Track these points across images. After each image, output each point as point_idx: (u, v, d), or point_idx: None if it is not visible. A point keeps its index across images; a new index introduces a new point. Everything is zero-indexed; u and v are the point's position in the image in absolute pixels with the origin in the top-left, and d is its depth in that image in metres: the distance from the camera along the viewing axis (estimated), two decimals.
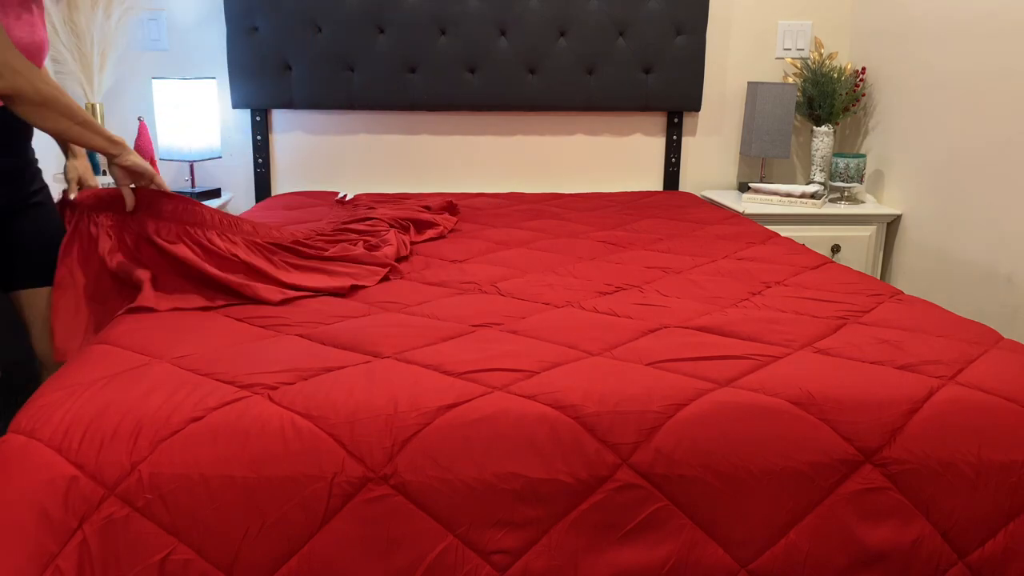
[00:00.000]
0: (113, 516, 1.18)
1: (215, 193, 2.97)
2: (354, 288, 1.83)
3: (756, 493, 1.26)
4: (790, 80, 3.19)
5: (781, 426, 1.28)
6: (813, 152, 3.12)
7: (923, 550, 1.29)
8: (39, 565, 1.15)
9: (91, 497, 1.18)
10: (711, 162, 3.29)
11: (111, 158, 1.69)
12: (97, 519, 1.18)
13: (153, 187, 1.76)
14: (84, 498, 1.18)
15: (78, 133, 1.62)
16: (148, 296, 1.68)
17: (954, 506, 1.29)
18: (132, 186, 1.75)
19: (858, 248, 2.95)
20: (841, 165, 2.95)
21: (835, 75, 3.06)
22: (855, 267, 2.90)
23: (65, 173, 1.85)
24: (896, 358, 1.45)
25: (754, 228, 2.55)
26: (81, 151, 1.88)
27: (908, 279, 2.92)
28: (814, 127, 3.12)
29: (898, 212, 2.96)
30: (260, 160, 3.11)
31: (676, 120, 3.21)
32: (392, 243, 2.11)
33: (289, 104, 3.03)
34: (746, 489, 1.26)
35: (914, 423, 1.31)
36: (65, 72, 2.85)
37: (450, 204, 2.68)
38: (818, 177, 3.11)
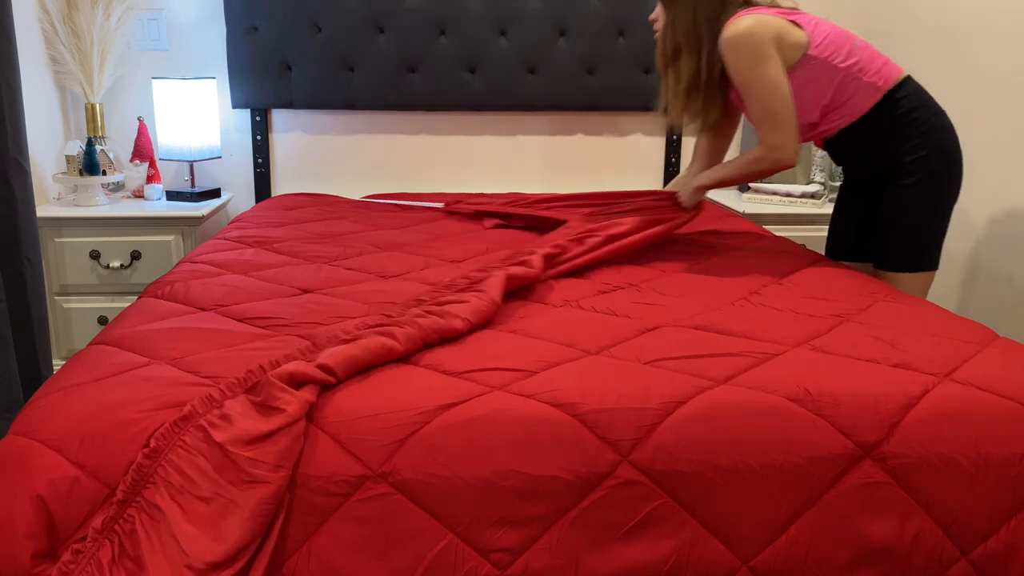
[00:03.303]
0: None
1: (215, 193, 2.97)
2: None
3: (756, 489, 1.27)
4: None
5: (779, 422, 1.29)
6: (813, 152, 3.12)
7: (924, 545, 1.29)
8: (42, 564, 1.16)
9: (94, 497, 1.18)
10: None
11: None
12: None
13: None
14: (87, 498, 1.18)
15: None
16: None
17: (955, 501, 1.30)
18: None
19: None
20: None
21: None
22: None
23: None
24: (892, 356, 1.46)
25: (753, 228, 2.55)
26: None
27: None
28: None
29: None
30: (260, 160, 3.11)
31: None
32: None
33: (289, 104, 3.03)
34: (746, 485, 1.26)
35: (911, 418, 1.31)
36: (65, 72, 2.86)
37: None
38: (818, 177, 3.11)
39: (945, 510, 1.30)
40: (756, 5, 2.01)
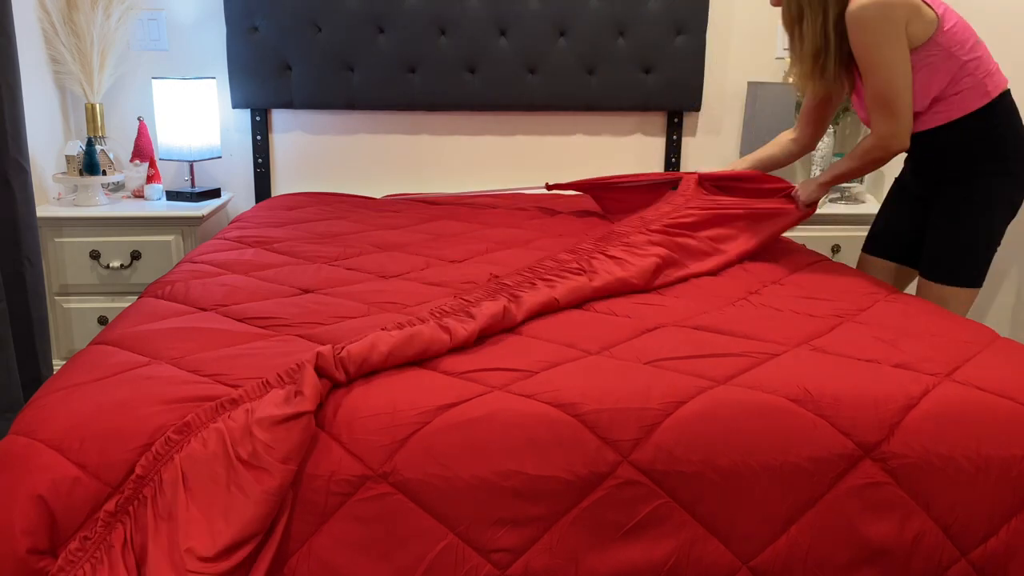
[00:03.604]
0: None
1: (215, 193, 2.97)
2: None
3: (756, 489, 1.27)
4: (790, 80, 3.19)
5: (779, 422, 1.29)
6: (813, 152, 3.11)
7: (924, 546, 1.29)
8: (43, 560, 1.16)
9: (95, 497, 1.19)
10: (711, 162, 3.29)
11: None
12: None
13: None
14: (88, 498, 1.18)
15: None
16: None
17: (955, 501, 1.30)
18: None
19: (858, 248, 2.93)
20: None
21: None
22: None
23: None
24: (892, 356, 1.46)
25: None
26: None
27: None
28: None
29: None
30: (260, 160, 3.11)
31: (676, 120, 3.21)
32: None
33: (289, 104, 3.03)
34: (746, 485, 1.26)
35: (911, 418, 1.31)
36: (65, 72, 2.86)
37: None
38: None
39: (945, 510, 1.30)
40: None
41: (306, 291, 1.83)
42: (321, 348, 1.30)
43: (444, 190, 3.17)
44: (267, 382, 1.27)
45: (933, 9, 1.89)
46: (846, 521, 1.28)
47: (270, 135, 3.13)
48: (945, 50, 1.89)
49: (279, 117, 3.13)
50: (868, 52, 1.89)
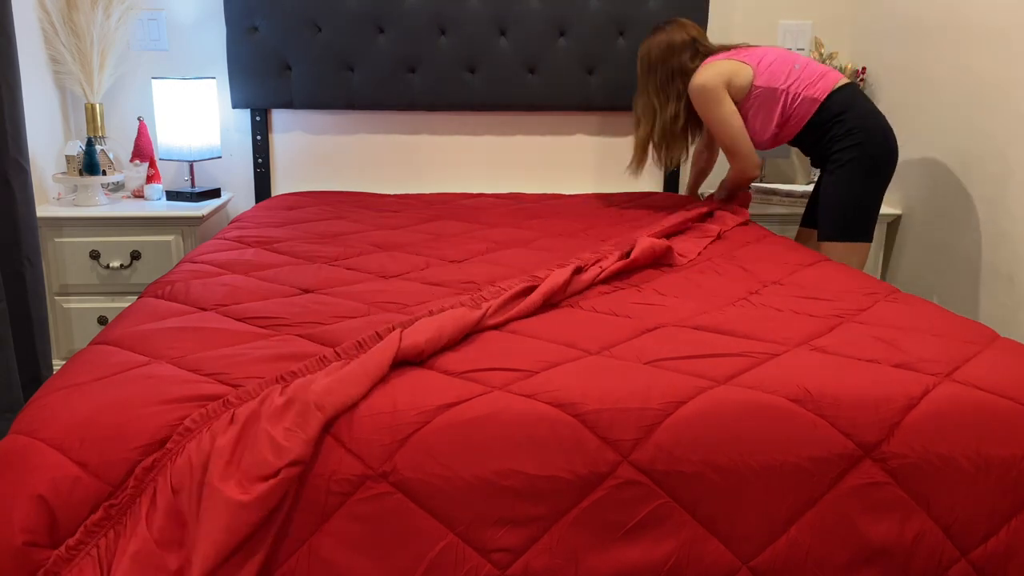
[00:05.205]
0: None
1: (215, 193, 2.97)
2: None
3: (756, 489, 1.27)
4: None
5: (779, 422, 1.29)
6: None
7: (924, 546, 1.29)
8: (42, 561, 1.16)
9: (96, 496, 1.19)
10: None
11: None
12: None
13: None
14: (88, 497, 1.18)
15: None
16: None
17: (955, 501, 1.30)
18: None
19: None
20: None
21: None
22: None
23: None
24: (892, 356, 1.46)
25: (752, 227, 2.55)
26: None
27: (909, 279, 2.93)
28: None
29: (898, 212, 2.96)
30: (260, 160, 3.11)
31: None
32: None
33: (289, 104, 3.03)
34: (746, 485, 1.26)
35: (911, 418, 1.31)
36: (65, 72, 2.86)
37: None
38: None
39: (945, 510, 1.30)
40: (711, 53, 2.57)
41: (306, 291, 1.83)
42: (397, 338, 1.38)
43: (444, 190, 3.17)
44: (323, 358, 1.37)
45: (748, 64, 2.50)
46: (846, 521, 1.28)
47: (270, 135, 3.13)
48: (766, 87, 2.48)
49: (279, 117, 3.13)
50: (705, 115, 2.55)
